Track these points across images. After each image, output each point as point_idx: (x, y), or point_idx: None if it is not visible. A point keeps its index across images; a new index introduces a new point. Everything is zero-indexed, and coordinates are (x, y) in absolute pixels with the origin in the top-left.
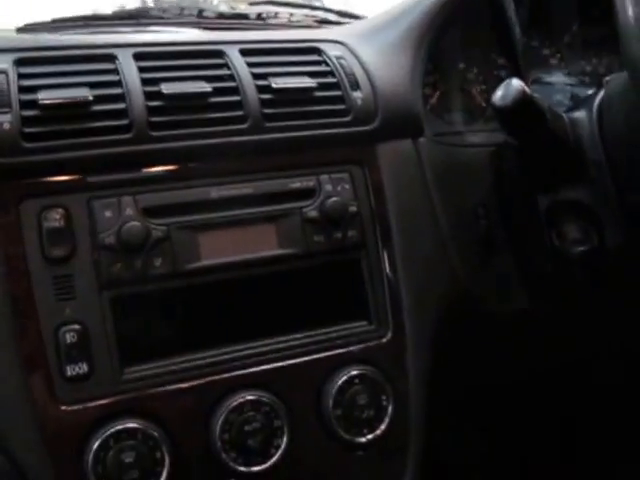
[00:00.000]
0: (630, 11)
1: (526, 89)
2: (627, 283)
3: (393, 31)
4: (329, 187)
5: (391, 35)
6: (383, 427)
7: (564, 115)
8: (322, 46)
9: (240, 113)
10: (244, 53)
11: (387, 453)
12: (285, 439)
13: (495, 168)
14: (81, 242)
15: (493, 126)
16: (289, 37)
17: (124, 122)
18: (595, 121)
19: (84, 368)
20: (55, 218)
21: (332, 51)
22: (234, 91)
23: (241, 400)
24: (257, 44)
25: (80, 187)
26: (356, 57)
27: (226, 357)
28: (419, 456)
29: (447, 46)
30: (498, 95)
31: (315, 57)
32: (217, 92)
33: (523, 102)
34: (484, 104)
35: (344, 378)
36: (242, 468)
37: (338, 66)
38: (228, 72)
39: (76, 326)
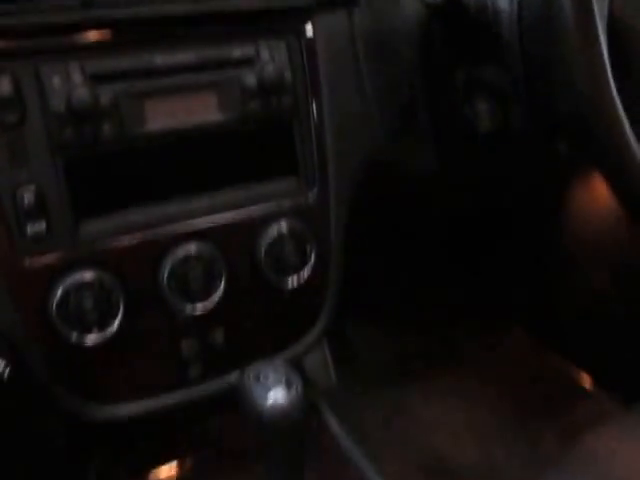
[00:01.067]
0: None
1: None
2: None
3: None
4: (267, 56)
5: None
6: (306, 272)
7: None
8: None
9: None
10: None
11: (309, 292)
12: (223, 283)
13: (420, 38)
14: (31, 108)
15: None
16: None
17: None
18: (515, 3)
19: (42, 226)
20: (4, 84)
21: None
22: None
23: (185, 251)
24: None
25: (27, 53)
26: None
27: (171, 212)
28: (336, 293)
29: None
30: None
31: None
32: None
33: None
34: None
35: (275, 230)
36: (187, 308)
37: None
38: None
39: (32, 187)
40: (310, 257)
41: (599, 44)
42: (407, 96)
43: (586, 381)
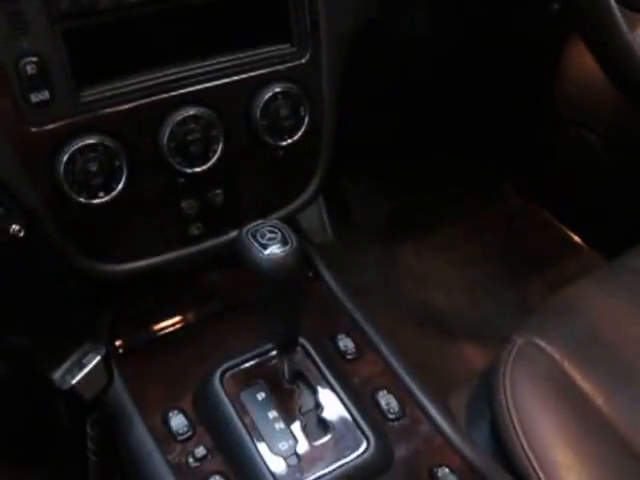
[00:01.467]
0: None
1: None
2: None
3: None
4: None
5: None
6: (300, 133)
7: None
8: None
9: None
10: None
11: (304, 152)
12: (220, 145)
13: None
14: None
15: None
16: None
17: None
18: None
19: (46, 94)
20: None
21: None
22: None
23: (183, 114)
24: None
25: None
26: None
27: (169, 78)
28: (330, 153)
29: None
30: None
31: None
32: None
33: None
34: None
35: (269, 93)
36: (187, 169)
37: None
38: None
39: (34, 58)
40: (304, 118)
41: None
42: None
43: (573, 237)
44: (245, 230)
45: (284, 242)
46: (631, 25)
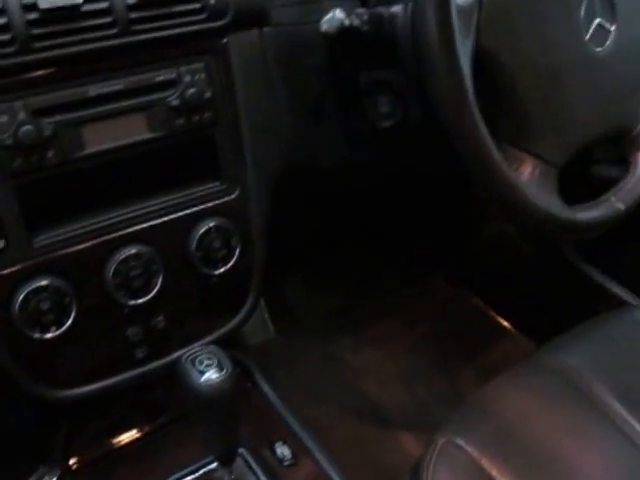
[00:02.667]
0: None
1: (345, 21)
2: (422, 145)
3: None
4: (188, 78)
5: None
6: (232, 262)
7: (384, 9)
8: None
9: (109, 19)
10: None
11: (237, 279)
12: (160, 278)
13: (326, 49)
14: None
15: None
16: None
17: (7, 37)
18: (409, 15)
19: (2, 244)
20: None
21: None
22: None
23: (126, 253)
24: None
25: None
26: None
27: (112, 220)
28: (261, 277)
29: None
30: (323, 26)
31: None
32: (87, 1)
33: (343, 30)
34: None
35: (204, 228)
36: (130, 301)
37: None
38: None
39: None
40: (235, 248)
41: (460, 78)
42: (316, 100)
43: (503, 323)
44: (185, 357)
45: (220, 368)
46: (516, 163)
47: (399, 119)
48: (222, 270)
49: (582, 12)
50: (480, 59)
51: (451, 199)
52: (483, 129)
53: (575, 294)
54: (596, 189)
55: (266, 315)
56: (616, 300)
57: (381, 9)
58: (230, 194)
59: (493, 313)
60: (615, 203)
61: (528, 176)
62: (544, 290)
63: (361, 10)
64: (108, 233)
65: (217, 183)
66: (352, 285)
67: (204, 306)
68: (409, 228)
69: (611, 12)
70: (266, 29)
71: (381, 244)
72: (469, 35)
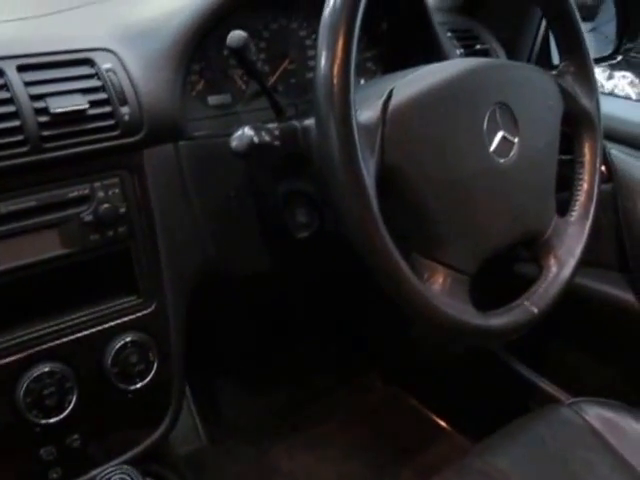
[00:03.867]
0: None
1: (255, 138)
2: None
3: (159, 40)
4: (102, 193)
5: (157, 44)
6: (150, 376)
7: (297, 123)
8: (94, 57)
9: (20, 138)
10: (21, 69)
11: (155, 393)
12: (75, 396)
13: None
14: None
15: (253, 106)
16: (62, 46)
17: None
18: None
19: None
20: None
21: (104, 63)
22: (14, 116)
23: (39, 371)
24: (34, 58)
25: None
26: (125, 70)
27: (24, 338)
28: (181, 390)
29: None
30: (233, 143)
31: (88, 70)
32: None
33: (254, 147)
34: (244, 87)
35: (120, 344)
36: (43, 421)
37: (109, 81)
38: (8, 95)
39: None
40: (154, 362)
41: (364, 196)
42: (234, 212)
43: (440, 423)
44: (99, 477)
45: None
46: (428, 273)
47: (316, 229)
48: (139, 385)
49: (485, 126)
50: (385, 174)
51: (380, 299)
52: (390, 244)
53: (507, 391)
54: (520, 286)
55: (197, 422)
56: (546, 396)
57: (294, 122)
58: (147, 308)
59: (429, 412)
60: (529, 307)
61: (440, 285)
62: (477, 388)
63: (272, 125)
64: (20, 351)
65: (133, 297)
66: (287, 387)
67: (122, 422)
68: (342, 328)
69: (514, 125)
70: (181, 143)
71: (315, 344)
72: (373, 152)
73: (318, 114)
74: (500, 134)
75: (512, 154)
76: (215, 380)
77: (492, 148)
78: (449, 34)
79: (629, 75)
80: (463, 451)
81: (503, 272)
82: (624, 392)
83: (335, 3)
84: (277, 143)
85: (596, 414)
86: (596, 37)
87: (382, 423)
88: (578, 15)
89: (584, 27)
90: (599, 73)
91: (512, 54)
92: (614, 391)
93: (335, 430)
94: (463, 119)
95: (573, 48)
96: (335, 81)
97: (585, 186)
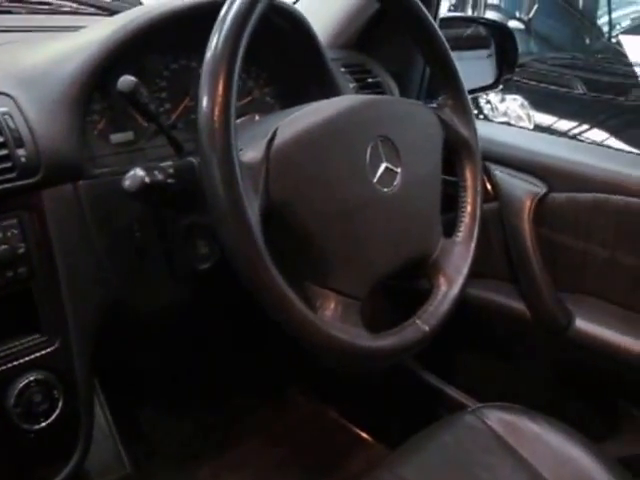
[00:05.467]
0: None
1: (146, 178)
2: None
3: (56, 83)
4: (0, 235)
5: (54, 87)
6: (56, 415)
7: (194, 159)
8: None
9: None
10: None
11: (62, 430)
12: None
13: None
14: None
15: (156, 142)
16: None
17: None
18: None
19: None
20: None
21: (0, 107)
22: None
23: None
24: None
25: None
26: (22, 113)
27: None
28: (89, 424)
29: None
30: (125, 183)
31: None
32: None
33: (146, 187)
34: (146, 124)
35: (23, 382)
36: None
37: (4, 125)
38: None
39: None
40: (58, 401)
41: (249, 233)
42: (137, 246)
43: (361, 434)
44: None
45: None
46: (319, 300)
47: (217, 260)
48: (44, 424)
49: (368, 159)
50: (272, 210)
51: None
52: (277, 278)
53: (419, 401)
54: (417, 304)
55: (120, 449)
56: (456, 404)
57: (191, 158)
58: (50, 346)
59: (349, 424)
60: (420, 326)
61: (332, 312)
62: (392, 399)
63: (166, 164)
64: None
65: (36, 335)
66: (209, 408)
67: (30, 461)
68: (260, 346)
69: (396, 156)
70: (81, 182)
71: (235, 363)
72: (257, 190)
73: (202, 156)
74: (383, 165)
75: (395, 183)
76: (137, 405)
77: (376, 179)
78: (343, 69)
79: (519, 98)
80: (381, 459)
81: (400, 292)
82: (524, 396)
83: (216, 47)
84: (171, 181)
85: (497, 418)
86: None
87: (305, 438)
88: (452, 54)
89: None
90: (493, 97)
91: (403, 86)
92: (516, 395)
93: (259, 448)
94: (345, 153)
95: (449, 83)
96: (216, 124)
97: (469, 208)
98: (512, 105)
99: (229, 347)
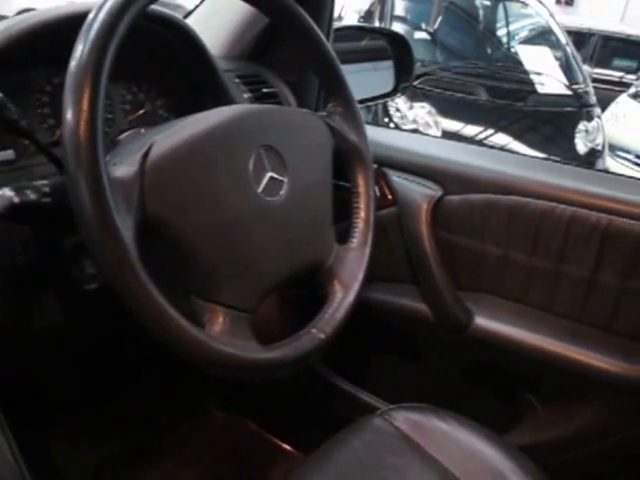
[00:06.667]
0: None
1: (15, 199)
2: None
3: None
4: None
5: None
6: None
7: None
8: None
9: None
10: None
11: None
12: None
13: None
14: None
15: (39, 160)
16: None
17: None
18: None
19: None
20: None
21: None
22: None
23: None
24: None
25: None
26: None
27: None
28: None
29: None
30: None
31: None
32: None
33: (15, 208)
34: (27, 142)
35: None
36: None
37: None
38: None
39: None
40: None
41: (121, 251)
42: (23, 267)
43: (279, 443)
44: None
45: None
46: (207, 314)
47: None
48: None
49: (251, 168)
50: (149, 224)
51: None
52: (154, 295)
53: (333, 407)
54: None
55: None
56: (369, 408)
57: None
58: None
59: (268, 435)
60: (316, 334)
61: (220, 326)
62: (307, 407)
63: (41, 183)
64: None
65: None
66: (125, 430)
67: None
68: (174, 361)
69: (282, 166)
70: None
71: (150, 380)
72: (131, 206)
73: (68, 172)
74: (268, 175)
75: (282, 193)
76: (46, 434)
77: (261, 189)
78: (237, 80)
79: (427, 105)
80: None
81: (301, 300)
82: (433, 395)
83: (80, 58)
84: (47, 200)
85: (405, 419)
86: None
87: (224, 451)
88: (339, 63)
89: None
90: (402, 104)
91: (300, 96)
92: (425, 395)
93: (179, 466)
94: (226, 164)
95: (337, 92)
96: (81, 139)
97: (362, 214)
98: (420, 112)
99: (139, 364)
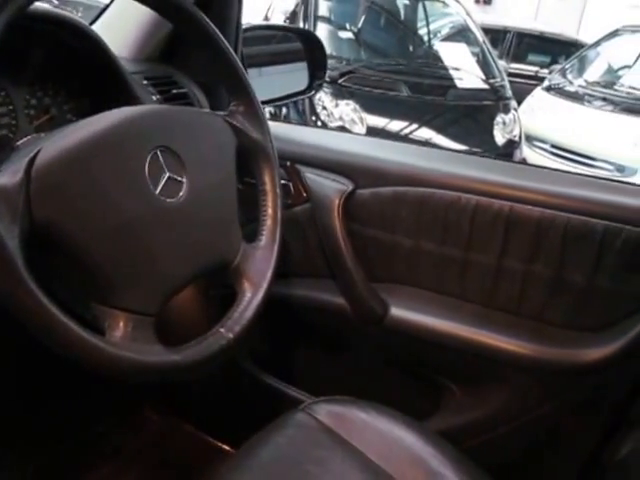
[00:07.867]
0: None
1: None
2: None
3: None
4: None
5: None
6: None
7: None
8: None
9: None
10: None
11: None
12: None
13: None
14: None
15: None
16: None
17: None
18: None
19: None
20: None
21: None
22: None
23: None
24: None
25: None
26: None
27: None
28: None
29: None
30: None
31: None
32: None
33: None
34: None
35: None
36: None
37: None
38: None
39: None
40: None
41: (7, 262)
42: None
43: (218, 444)
44: None
45: None
46: (108, 320)
47: None
48: None
49: (147, 170)
50: (39, 231)
51: None
52: (44, 304)
53: (263, 403)
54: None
55: None
56: (296, 402)
57: None
58: None
59: (207, 436)
60: (224, 334)
61: (122, 331)
62: (239, 405)
63: None
64: None
65: None
66: (59, 436)
67: None
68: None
69: (180, 166)
70: None
71: (80, 387)
72: (16, 213)
73: None
74: (166, 176)
75: (182, 194)
76: None
77: (158, 190)
78: (145, 82)
79: (352, 103)
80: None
81: (214, 300)
82: (355, 386)
83: None
84: None
85: (327, 412)
86: None
87: (162, 455)
88: (240, 64)
89: None
90: (328, 102)
91: (214, 97)
92: (348, 387)
93: (115, 472)
94: (120, 167)
95: (238, 91)
96: None
97: (269, 211)
98: (346, 110)
99: (65, 373)
